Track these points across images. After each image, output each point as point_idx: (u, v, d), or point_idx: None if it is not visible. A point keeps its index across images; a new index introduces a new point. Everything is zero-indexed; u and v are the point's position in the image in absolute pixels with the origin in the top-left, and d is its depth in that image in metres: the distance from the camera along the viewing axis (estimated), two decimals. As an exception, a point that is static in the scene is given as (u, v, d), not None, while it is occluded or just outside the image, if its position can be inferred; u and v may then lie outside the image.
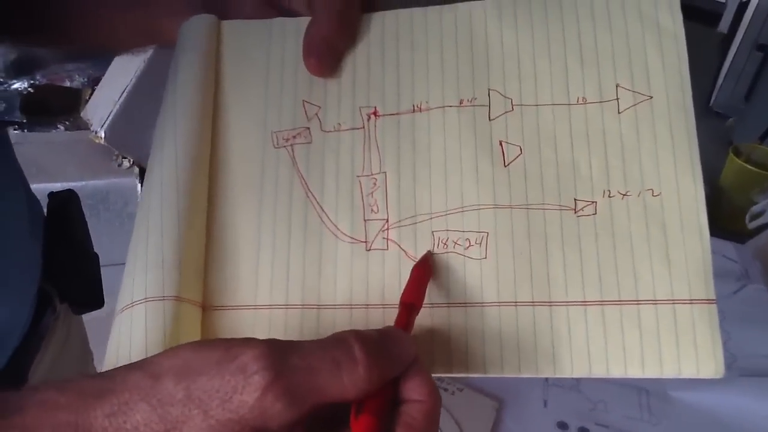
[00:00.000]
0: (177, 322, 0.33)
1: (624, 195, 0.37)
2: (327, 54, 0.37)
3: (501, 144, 0.38)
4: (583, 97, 0.38)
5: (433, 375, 0.33)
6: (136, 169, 1.23)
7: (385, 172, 0.38)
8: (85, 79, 1.42)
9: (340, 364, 0.28)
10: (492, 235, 0.36)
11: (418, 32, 0.39)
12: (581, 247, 0.36)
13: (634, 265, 0.36)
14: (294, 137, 0.39)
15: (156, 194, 0.35)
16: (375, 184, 0.37)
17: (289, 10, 0.40)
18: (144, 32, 0.43)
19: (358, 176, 0.38)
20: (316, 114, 0.39)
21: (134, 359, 0.30)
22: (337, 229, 0.37)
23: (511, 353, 0.34)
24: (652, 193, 0.37)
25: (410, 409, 0.29)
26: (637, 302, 0.36)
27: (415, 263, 0.35)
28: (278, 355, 0.27)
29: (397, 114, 0.39)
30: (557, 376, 0.35)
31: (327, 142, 0.39)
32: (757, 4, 2.45)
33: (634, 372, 0.35)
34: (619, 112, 0.38)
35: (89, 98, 1.33)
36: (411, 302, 0.33)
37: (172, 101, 0.38)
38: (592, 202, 0.37)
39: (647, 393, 0.83)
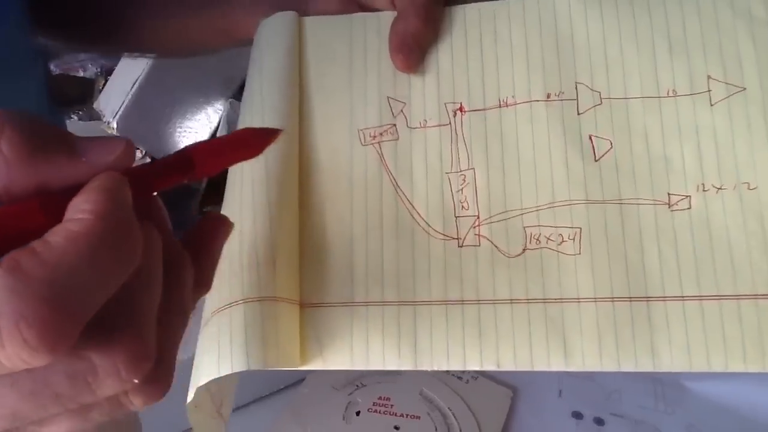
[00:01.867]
0: (275, 321, 0.33)
1: (719, 189, 0.37)
2: (414, 50, 0.37)
3: (591, 138, 0.38)
4: (674, 90, 0.38)
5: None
6: (149, 160, 1.23)
7: (473, 169, 0.38)
8: (98, 69, 1.42)
9: None
10: (585, 231, 0.36)
11: (501, 25, 0.39)
12: (677, 242, 0.36)
13: (732, 260, 0.36)
14: (381, 134, 0.39)
15: (247, 194, 0.35)
16: (464, 180, 0.38)
17: (370, 5, 0.40)
18: (220, 32, 0.43)
19: (446, 173, 0.38)
20: (402, 110, 0.39)
21: (235, 361, 0.31)
22: (429, 226, 0.37)
23: (609, 348, 0.35)
24: (748, 186, 0.36)
25: (50, 232, 0.19)
26: (737, 297, 0.35)
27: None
28: None
29: (483, 109, 0.39)
30: (656, 370, 0.35)
31: (414, 139, 0.39)
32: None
33: (736, 366, 0.35)
34: (711, 105, 0.38)
35: (102, 88, 1.33)
36: (190, 154, 0.25)
37: (259, 100, 0.38)
38: (687, 196, 0.37)
39: (662, 383, 0.83)
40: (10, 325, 0.16)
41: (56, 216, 0.19)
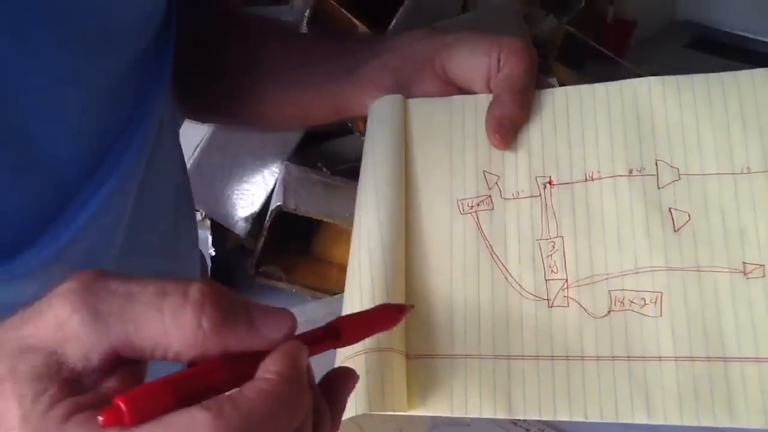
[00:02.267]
0: (391, 369, 0.38)
1: None
2: (509, 130, 0.42)
3: (670, 211, 0.42)
4: (748, 167, 0.40)
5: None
6: (208, 222, 1.27)
7: (562, 236, 0.42)
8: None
9: (166, 295, 0.24)
10: (666, 295, 0.40)
11: (587, 107, 0.42)
12: (752, 307, 0.40)
13: None
14: (477, 204, 0.44)
15: (365, 257, 0.39)
16: (553, 247, 0.42)
17: (468, 88, 0.43)
18: (333, 108, 0.48)
19: (537, 240, 0.42)
20: (496, 183, 0.44)
21: (358, 405, 0.35)
22: (521, 287, 0.42)
23: (689, 403, 0.36)
24: None
25: (245, 387, 0.25)
26: None
27: (392, 306, 0.37)
28: (96, 276, 0.25)
29: (570, 183, 0.43)
30: (733, 425, 0.37)
31: (507, 209, 0.43)
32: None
33: None
34: None
35: (165, 153, 1.38)
36: (340, 329, 0.31)
37: (372, 172, 0.44)
38: (761, 265, 0.40)
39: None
40: None
41: (233, 373, 0.25)
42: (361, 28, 2.19)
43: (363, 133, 1.94)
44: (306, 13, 1.30)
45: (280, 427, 0.24)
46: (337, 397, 0.29)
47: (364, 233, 0.42)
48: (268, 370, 0.25)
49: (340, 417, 0.30)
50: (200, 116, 0.55)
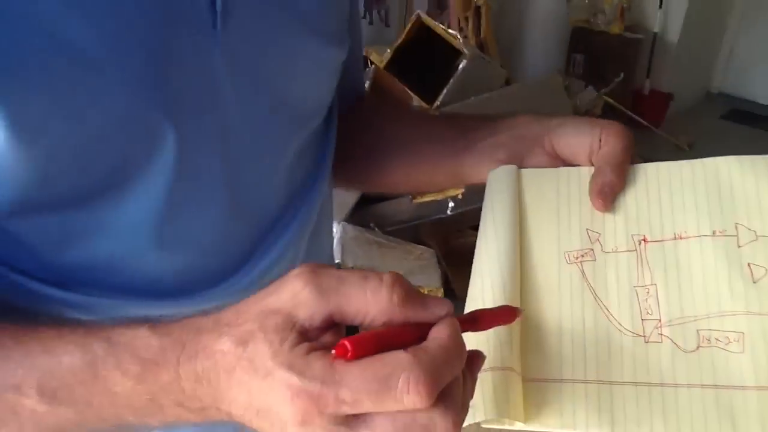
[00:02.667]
0: (511, 386, 0.43)
1: None
2: (609, 196, 0.49)
3: (749, 265, 0.47)
4: None
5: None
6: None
7: (655, 284, 0.48)
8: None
9: (367, 279, 0.32)
10: (747, 335, 0.45)
11: (674, 179, 0.50)
12: None
13: None
14: (582, 256, 0.49)
15: (488, 297, 0.46)
16: (648, 292, 0.48)
17: (572, 161, 0.52)
18: (455, 177, 0.56)
19: (634, 286, 0.48)
20: (598, 239, 0.50)
21: (487, 412, 0.41)
22: (621, 325, 0.47)
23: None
24: None
25: (429, 341, 0.32)
26: None
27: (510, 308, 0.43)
28: (317, 266, 0.33)
29: (662, 240, 0.49)
30: None
31: (608, 261, 0.49)
32: None
33: None
34: None
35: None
36: (477, 317, 0.40)
37: (492, 231, 0.50)
38: None
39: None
40: (412, 382, 0.30)
41: (413, 335, 0.33)
42: (415, 99, 2.32)
43: (414, 198, 2.00)
44: (366, 85, 1.41)
45: (449, 371, 0.32)
46: (472, 367, 0.37)
47: (487, 279, 0.47)
48: (441, 332, 0.33)
49: (474, 382, 0.38)
50: (339, 182, 0.64)
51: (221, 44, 0.40)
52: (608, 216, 0.49)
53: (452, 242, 1.91)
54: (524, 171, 0.52)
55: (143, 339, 0.34)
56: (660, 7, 3.48)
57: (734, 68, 4.24)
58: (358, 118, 0.59)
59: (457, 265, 1.78)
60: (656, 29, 3.53)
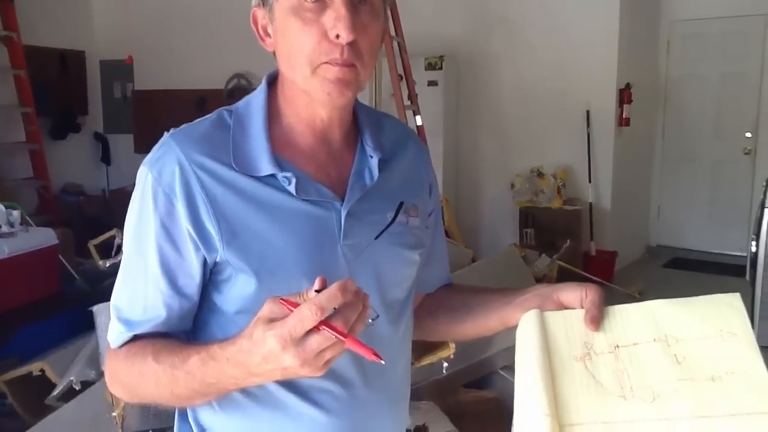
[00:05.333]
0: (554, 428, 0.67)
1: None
2: (597, 322, 0.76)
3: (674, 355, 0.72)
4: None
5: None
6: None
7: (626, 369, 0.72)
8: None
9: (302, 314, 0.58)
10: (679, 390, 0.69)
11: (630, 312, 0.76)
12: None
13: None
14: (583, 357, 0.75)
15: (529, 380, 0.71)
16: (623, 371, 0.72)
17: (570, 306, 0.80)
18: (500, 324, 0.85)
19: (614, 370, 0.72)
20: (591, 347, 0.76)
21: None
22: (608, 389, 0.71)
23: None
24: None
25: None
26: None
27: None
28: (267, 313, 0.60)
29: (626, 345, 0.74)
30: None
31: (598, 358, 0.74)
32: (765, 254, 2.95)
33: None
34: None
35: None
36: (346, 337, 0.60)
37: (528, 364, 0.74)
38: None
39: None
40: (303, 323, 0.58)
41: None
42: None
43: (413, 363, 2.27)
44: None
45: (301, 328, 0.58)
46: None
47: (531, 389, 0.70)
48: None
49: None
50: (429, 335, 0.95)
51: (342, 246, 0.73)
52: (596, 333, 0.77)
53: (449, 400, 2.18)
54: (546, 313, 0.81)
55: (208, 348, 0.65)
56: (590, 182, 4.06)
57: (666, 224, 4.80)
58: (445, 293, 0.93)
59: (459, 420, 2.03)
60: (591, 200, 4.08)
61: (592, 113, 3.98)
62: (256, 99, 0.76)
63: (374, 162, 0.77)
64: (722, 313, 0.73)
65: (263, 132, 0.73)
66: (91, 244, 2.92)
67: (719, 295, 0.74)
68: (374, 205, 0.77)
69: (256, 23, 0.74)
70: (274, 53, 0.73)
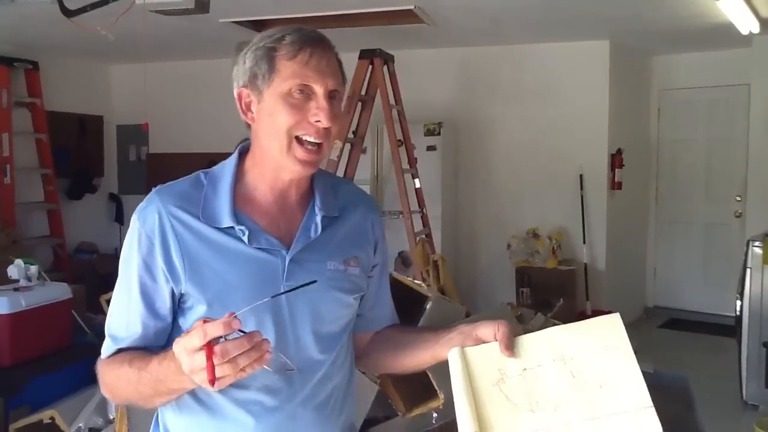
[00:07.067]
0: None
1: None
2: (509, 348, 0.88)
3: (571, 372, 0.85)
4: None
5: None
6: None
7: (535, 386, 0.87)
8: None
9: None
10: (576, 400, 0.83)
11: (537, 340, 0.88)
12: None
13: None
14: (498, 381, 0.87)
15: (464, 418, 0.83)
16: (526, 388, 0.86)
17: (487, 340, 0.91)
18: (433, 358, 0.97)
19: (527, 389, 0.85)
20: (505, 371, 0.88)
21: None
22: (518, 404, 0.85)
23: None
24: None
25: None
26: None
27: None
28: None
29: (533, 367, 0.86)
30: None
31: (511, 381, 0.87)
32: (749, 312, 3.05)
33: None
34: None
35: None
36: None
37: (458, 393, 0.87)
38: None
39: None
40: (191, 340, 0.75)
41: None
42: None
43: (404, 414, 2.41)
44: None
45: (229, 354, 0.73)
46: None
47: (461, 413, 0.85)
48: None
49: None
50: (368, 369, 1.16)
51: (284, 286, 0.87)
52: (508, 360, 0.89)
53: (442, 452, 2.26)
54: (466, 349, 0.93)
55: (165, 354, 0.81)
56: (584, 242, 4.21)
57: (662, 285, 4.92)
58: (391, 331, 1.06)
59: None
60: (585, 260, 4.22)
61: (585, 177, 4.16)
62: (229, 164, 0.97)
63: (319, 219, 0.94)
64: (606, 331, 0.88)
65: (228, 191, 0.93)
66: (103, 298, 3.05)
67: (603, 316, 0.90)
68: (316, 255, 0.94)
69: (240, 100, 0.93)
70: (249, 125, 0.93)
